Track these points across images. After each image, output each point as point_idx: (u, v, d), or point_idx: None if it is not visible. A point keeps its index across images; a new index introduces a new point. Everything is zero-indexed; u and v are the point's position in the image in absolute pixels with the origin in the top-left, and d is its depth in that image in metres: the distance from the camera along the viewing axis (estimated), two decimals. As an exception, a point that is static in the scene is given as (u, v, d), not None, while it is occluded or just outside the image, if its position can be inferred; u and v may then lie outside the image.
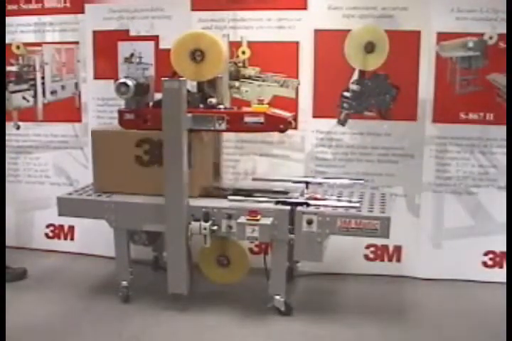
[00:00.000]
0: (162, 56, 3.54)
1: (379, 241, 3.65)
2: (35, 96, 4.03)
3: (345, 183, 3.42)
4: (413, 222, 3.63)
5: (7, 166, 4.06)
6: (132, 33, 3.78)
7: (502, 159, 3.46)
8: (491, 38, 3.35)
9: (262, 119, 2.97)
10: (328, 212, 2.90)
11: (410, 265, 3.68)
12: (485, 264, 3.61)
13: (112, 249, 3.26)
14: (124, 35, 3.78)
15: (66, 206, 3.24)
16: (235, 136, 3.70)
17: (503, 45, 3.34)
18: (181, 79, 2.94)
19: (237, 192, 3.18)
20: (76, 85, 3.99)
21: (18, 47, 3.99)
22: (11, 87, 4.00)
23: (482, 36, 3.36)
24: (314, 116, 3.62)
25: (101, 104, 3.92)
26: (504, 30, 3.30)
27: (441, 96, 3.47)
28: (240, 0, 3.58)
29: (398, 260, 3.71)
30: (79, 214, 3.30)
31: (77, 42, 3.92)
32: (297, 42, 3.55)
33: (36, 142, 4.14)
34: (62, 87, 4.01)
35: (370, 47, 3.45)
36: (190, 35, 3.07)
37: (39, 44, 3.96)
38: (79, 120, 4.01)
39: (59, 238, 4.22)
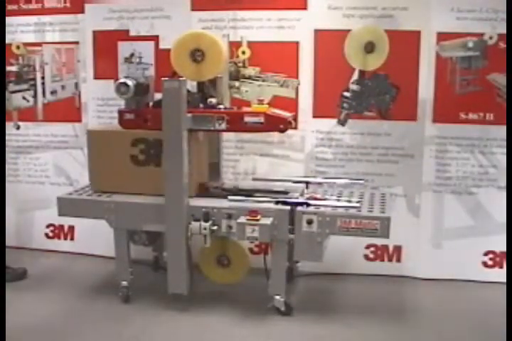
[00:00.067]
0: (162, 56, 3.55)
1: (379, 241, 3.65)
2: (35, 96, 4.03)
3: (345, 183, 3.42)
4: (413, 222, 3.63)
5: (7, 166, 4.05)
6: (132, 33, 3.78)
7: (502, 159, 3.46)
8: (491, 38, 3.35)
9: (262, 119, 2.97)
10: (328, 212, 2.90)
11: (410, 265, 3.68)
12: (485, 264, 3.61)
13: (112, 248, 3.26)
14: (124, 35, 3.78)
15: (66, 206, 3.24)
16: (235, 136, 3.70)
17: (503, 45, 3.34)
18: (181, 79, 2.94)
19: (237, 192, 3.18)
20: (76, 85, 3.99)
21: (18, 47, 3.99)
22: (11, 87, 4.00)
23: (482, 36, 3.36)
24: (314, 116, 3.62)
25: (101, 104, 3.92)
26: (504, 30, 3.30)
27: (441, 96, 3.47)
28: (240, 0, 3.58)
29: (398, 260, 3.71)
30: (79, 214, 3.30)
31: (77, 42, 3.92)
32: (297, 42, 3.55)
33: (36, 142, 4.14)
34: (62, 87, 4.01)
35: (370, 47, 3.45)
36: (190, 35, 3.07)
37: (39, 44, 3.96)
38: (79, 120, 4.01)
39: (59, 238, 4.22)
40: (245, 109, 3.11)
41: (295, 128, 3.39)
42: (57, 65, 3.98)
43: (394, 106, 3.52)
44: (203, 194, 3.19)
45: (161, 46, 3.69)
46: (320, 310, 3.19)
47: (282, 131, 3.02)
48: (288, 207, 2.94)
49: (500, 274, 3.47)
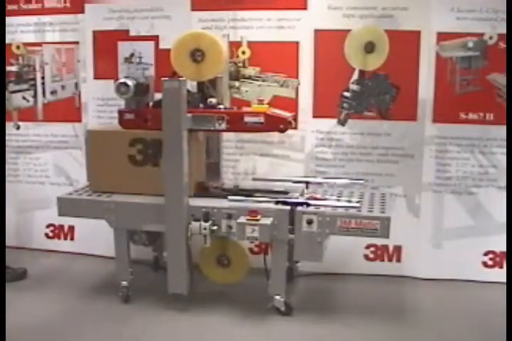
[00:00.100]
0: (162, 56, 3.54)
1: (379, 241, 3.65)
2: (35, 96, 4.03)
3: (345, 183, 3.42)
4: (413, 222, 3.63)
5: (7, 166, 4.05)
6: (132, 33, 3.78)
7: (502, 159, 3.46)
8: (491, 38, 3.35)
9: (262, 119, 2.97)
10: (328, 212, 2.90)
11: (410, 265, 3.68)
12: (485, 264, 3.61)
13: (112, 248, 3.26)
14: (124, 35, 3.78)
15: (66, 206, 3.24)
16: (235, 136, 3.70)
17: (503, 45, 3.34)
18: (181, 79, 2.94)
19: (238, 191, 3.18)
20: (76, 85, 3.99)
21: (18, 47, 3.99)
22: (11, 87, 4.00)
23: (482, 36, 3.36)
24: (314, 116, 3.62)
25: (101, 104, 3.92)
26: (504, 30, 3.30)
27: (441, 96, 3.47)
28: (240, 0, 3.58)
29: (398, 260, 3.71)
30: (79, 214, 3.30)
31: (77, 42, 3.92)
32: (297, 42, 3.55)
33: (36, 142, 4.14)
34: (62, 87, 4.01)
35: (370, 47, 3.45)
36: (190, 35, 3.07)
37: (39, 44, 3.96)
38: (79, 120, 4.01)
39: (59, 238, 4.22)
40: (245, 109, 3.11)
41: (295, 128, 3.39)
42: (57, 65, 3.98)
43: (394, 106, 3.52)
44: (202, 194, 3.19)
45: (161, 46, 3.69)
46: (320, 310, 3.19)
47: (282, 131, 3.02)
48: (288, 207, 2.94)
49: (500, 274, 3.47)
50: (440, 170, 3.56)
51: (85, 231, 4.05)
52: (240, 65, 3.58)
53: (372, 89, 3.51)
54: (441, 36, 3.39)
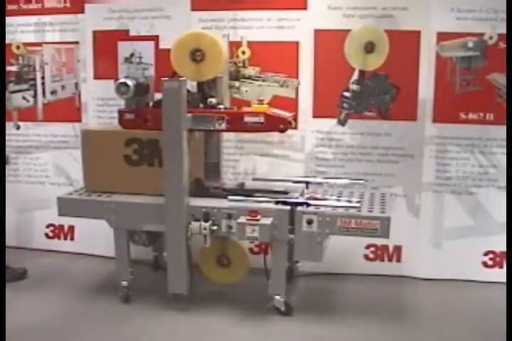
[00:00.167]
0: (162, 56, 3.55)
1: (379, 241, 3.65)
2: (35, 96, 4.03)
3: (345, 183, 3.42)
4: (413, 222, 3.63)
5: (7, 166, 4.05)
6: (132, 33, 3.78)
7: (502, 159, 3.46)
8: (491, 38, 3.35)
9: (262, 119, 2.97)
10: (328, 212, 2.90)
11: (410, 265, 3.68)
12: (485, 264, 3.61)
13: (112, 248, 3.26)
14: (124, 35, 3.78)
15: (66, 206, 3.25)
16: (235, 136, 3.70)
17: (503, 45, 3.34)
18: (181, 79, 2.94)
19: (238, 191, 3.18)
20: (76, 85, 3.99)
21: (18, 47, 3.99)
22: (11, 87, 4.00)
23: (482, 36, 3.36)
24: (314, 116, 3.62)
25: (101, 104, 3.92)
26: (504, 30, 3.30)
27: (441, 96, 3.47)
28: (240, 0, 3.58)
29: (398, 260, 3.71)
30: (79, 214, 3.30)
31: (77, 42, 3.92)
32: (297, 42, 3.55)
33: (36, 142, 4.14)
34: (62, 87, 4.01)
35: (370, 47, 3.45)
36: (190, 35, 3.07)
37: (39, 44, 3.96)
38: (79, 120, 4.01)
39: (59, 238, 4.22)
40: (245, 109, 3.11)
41: (295, 128, 3.38)
42: (57, 65, 3.98)
43: (394, 106, 3.52)
44: (202, 194, 3.19)
45: (161, 46, 3.69)
46: (320, 310, 3.19)
47: (282, 131, 3.02)
48: (288, 207, 2.94)
49: (500, 274, 3.47)
50: (440, 170, 3.56)
51: (85, 231, 4.05)
52: (240, 65, 3.58)
53: (372, 89, 3.51)
54: (441, 36, 3.39)
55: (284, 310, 3.09)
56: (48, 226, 4.22)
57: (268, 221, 2.88)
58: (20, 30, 3.99)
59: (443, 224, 3.61)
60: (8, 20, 3.92)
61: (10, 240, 3.95)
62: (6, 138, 3.94)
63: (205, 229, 2.96)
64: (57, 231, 4.21)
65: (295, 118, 3.30)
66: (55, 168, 4.13)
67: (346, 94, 3.54)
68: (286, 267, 3.15)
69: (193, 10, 3.66)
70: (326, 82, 3.55)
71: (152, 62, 3.75)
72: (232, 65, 3.48)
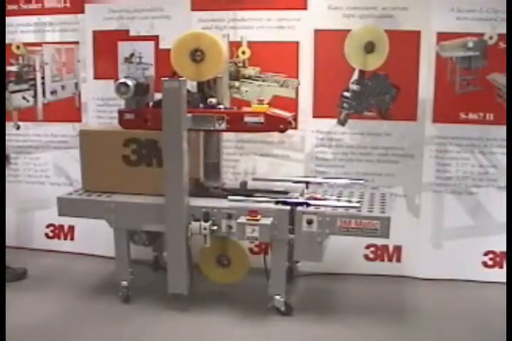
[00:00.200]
0: (162, 56, 3.55)
1: (379, 241, 3.65)
2: (35, 96, 4.03)
3: (345, 183, 3.42)
4: (413, 222, 3.63)
5: (8, 166, 4.05)
6: (132, 33, 3.78)
7: (502, 159, 3.46)
8: (491, 38, 3.35)
9: (262, 119, 2.97)
10: (328, 212, 2.90)
11: (410, 265, 3.68)
12: (485, 264, 3.61)
13: (112, 248, 3.26)
14: (124, 35, 3.78)
15: (66, 206, 3.25)
16: (235, 136, 3.70)
17: (503, 45, 3.34)
18: (181, 79, 2.94)
19: (238, 191, 3.18)
20: (76, 85, 3.99)
21: (18, 47, 3.99)
22: (11, 87, 4.00)
23: (482, 36, 3.36)
24: (314, 116, 3.62)
25: (101, 104, 3.92)
26: (504, 30, 3.30)
27: (441, 96, 3.47)
28: (240, 0, 3.58)
29: (398, 260, 3.71)
30: (79, 214, 3.30)
31: (77, 42, 3.92)
32: (297, 42, 3.55)
33: (36, 142, 4.14)
34: (62, 87, 4.01)
35: (370, 47, 3.45)
36: (190, 35, 3.07)
37: (39, 44, 3.96)
38: (79, 120, 4.01)
39: (59, 238, 4.22)
40: (245, 109, 3.11)
41: (295, 128, 3.39)
42: (57, 65, 3.98)
43: (394, 106, 3.52)
44: (202, 193, 3.19)
45: (161, 46, 3.69)
46: (320, 310, 3.19)
47: (282, 131, 3.02)
48: (288, 207, 2.94)
49: (500, 274, 3.47)
50: (440, 170, 3.56)
51: (85, 231, 4.05)
52: (240, 65, 3.58)
53: (372, 89, 3.51)
54: (441, 36, 3.39)
55: (284, 310, 3.09)
56: (47, 226, 4.22)
57: (268, 221, 2.88)
58: (20, 30, 3.99)
59: (443, 224, 3.61)
60: (8, 20, 3.92)
61: (10, 240, 3.95)
62: (6, 138, 3.95)
63: (205, 229, 2.96)
64: (57, 231, 4.21)
65: (295, 118, 3.30)
66: (55, 168, 4.13)
67: (346, 94, 3.54)
68: (286, 267, 3.15)
69: (193, 10, 3.66)
70: (326, 82, 3.55)
71: (152, 62, 3.75)
72: (232, 65, 3.49)
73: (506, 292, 2.70)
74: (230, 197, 3.05)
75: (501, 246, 3.51)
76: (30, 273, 3.71)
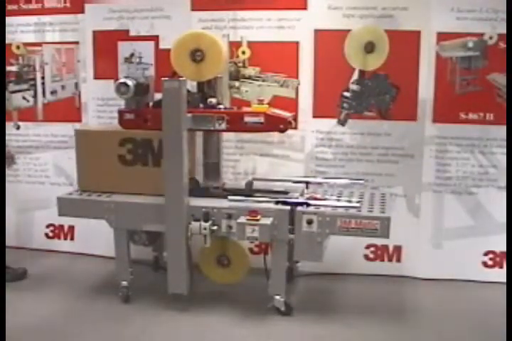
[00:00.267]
0: (162, 56, 3.54)
1: (379, 241, 3.65)
2: (35, 96, 4.03)
3: (345, 183, 3.42)
4: (413, 222, 3.63)
5: (13, 166, 4.05)
6: (132, 33, 3.78)
7: (502, 159, 3.46)
8: (491, 38, 3.35)
9: (262, 119, 2.97)
10: (328, 212, 2.90)
11: (410, 265, 3.68)
12: (485, 264, 3.61)
13: (112, 248, 3.26)
14: (124, 35, 3.78)
15: (66, 206, 3.25)
16: (235, 136, 3.70)
17: (503, 45, 3.34)
18: (181, 79, 2.94)
19: (238, 192, 3.18)
20: (76, 85, 3.99)
21: (18, 47, 3.99)
22: (11, 87, 4.00)
23: (482, 36, 3.36)
24: (314, 116, 3.62)
25: (101, 104, 3.92)
26: (504, 30, 3.30)
27: (441, 96, 3.47)
28: (240, 0, 3.58)
29: (398, 260, 3.71)
30: (79, 214, 3.30)
31: (77, 42, 3.92)
32: (297, 42, 3.55)
33: (36, 142, 4.14)
34: (62, 87, 4.01)
35: (370, 47, 3.45)
36: (190, 35, 3.07)
37: (39, 44, 3.96)
38: (79, 120, 4.01)
39: (59, 238, 4.22)
40: (245, 109, 3.11)
41: (295, 128, 3.39)
42: (57, 65, 3.98)
43: (394, 106, 3.52)
44: (201, 193, 3.19)
45: (161, 46, 3.69)
46: (320, 310, 3.19)
47: (282, 131, 3.02)
48: (288, 207, 2.94)
49: (500, 274, 3.47)
50: (440, 170, 3.56)
51: (85, 231, 4.05)
52: (240, 65, 3.58)
53: (372, 89, 3.51)
54: (441, 36, 3.39)
55: (284, 310, 3.09)
56: (47, 226, 4.22)
57: (268, 221, 2.88)
58: (20, 30, 3.99)
59: (443, 224, 3.61)
60: (8, 20, 3.92)
61: (10, 240, 3.95)
62: (6, 138, 3.95)
63: (205, 229, 2.96)
64: (57, 231, 4.21)
65: (295, 118, 3.30)
66: (55, 168, 4.13)
67: (346, 94, 3.54)
68: (286, 267, 3.15)
69: (193, 10, 3.66)
70: (326, 82, 3.55)
71: (152, 62, 3.75)
72: (232, 65, 3.49)
73: (506, 292, 2.70)
74: (230, 197, 3.05)
75: (501, 246, 3.51)
76: (30, 273, 3.71)
